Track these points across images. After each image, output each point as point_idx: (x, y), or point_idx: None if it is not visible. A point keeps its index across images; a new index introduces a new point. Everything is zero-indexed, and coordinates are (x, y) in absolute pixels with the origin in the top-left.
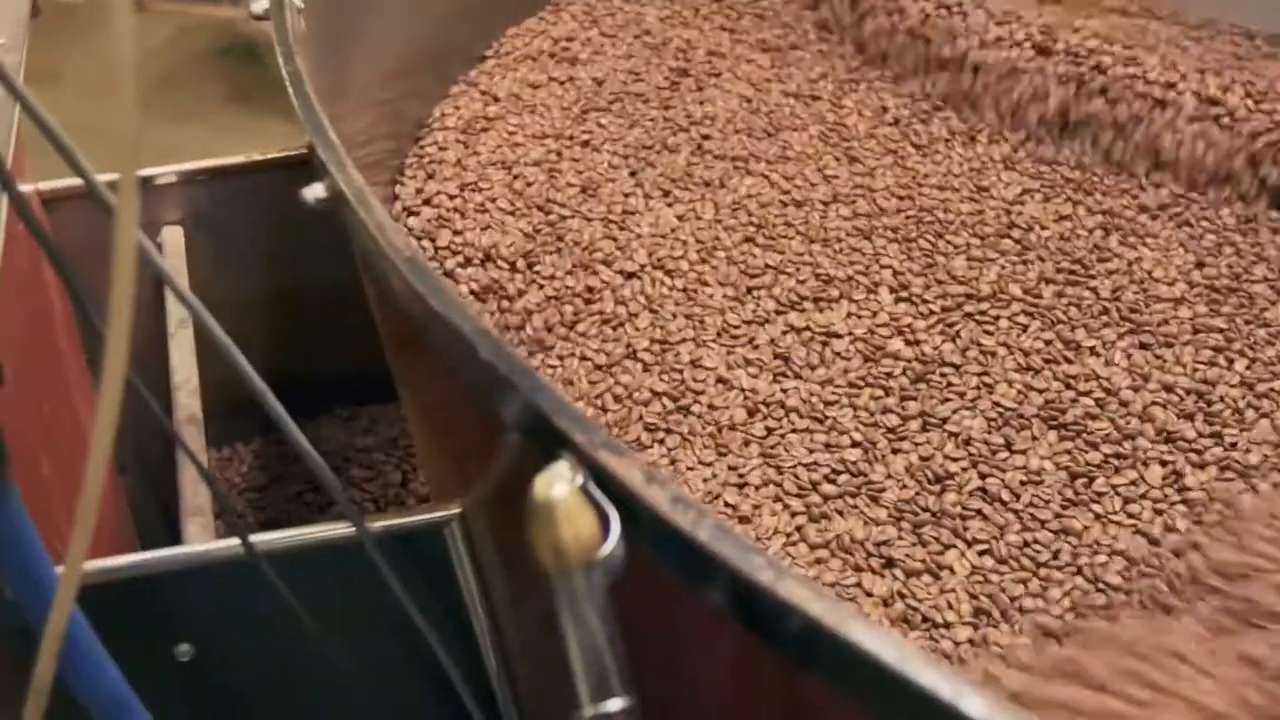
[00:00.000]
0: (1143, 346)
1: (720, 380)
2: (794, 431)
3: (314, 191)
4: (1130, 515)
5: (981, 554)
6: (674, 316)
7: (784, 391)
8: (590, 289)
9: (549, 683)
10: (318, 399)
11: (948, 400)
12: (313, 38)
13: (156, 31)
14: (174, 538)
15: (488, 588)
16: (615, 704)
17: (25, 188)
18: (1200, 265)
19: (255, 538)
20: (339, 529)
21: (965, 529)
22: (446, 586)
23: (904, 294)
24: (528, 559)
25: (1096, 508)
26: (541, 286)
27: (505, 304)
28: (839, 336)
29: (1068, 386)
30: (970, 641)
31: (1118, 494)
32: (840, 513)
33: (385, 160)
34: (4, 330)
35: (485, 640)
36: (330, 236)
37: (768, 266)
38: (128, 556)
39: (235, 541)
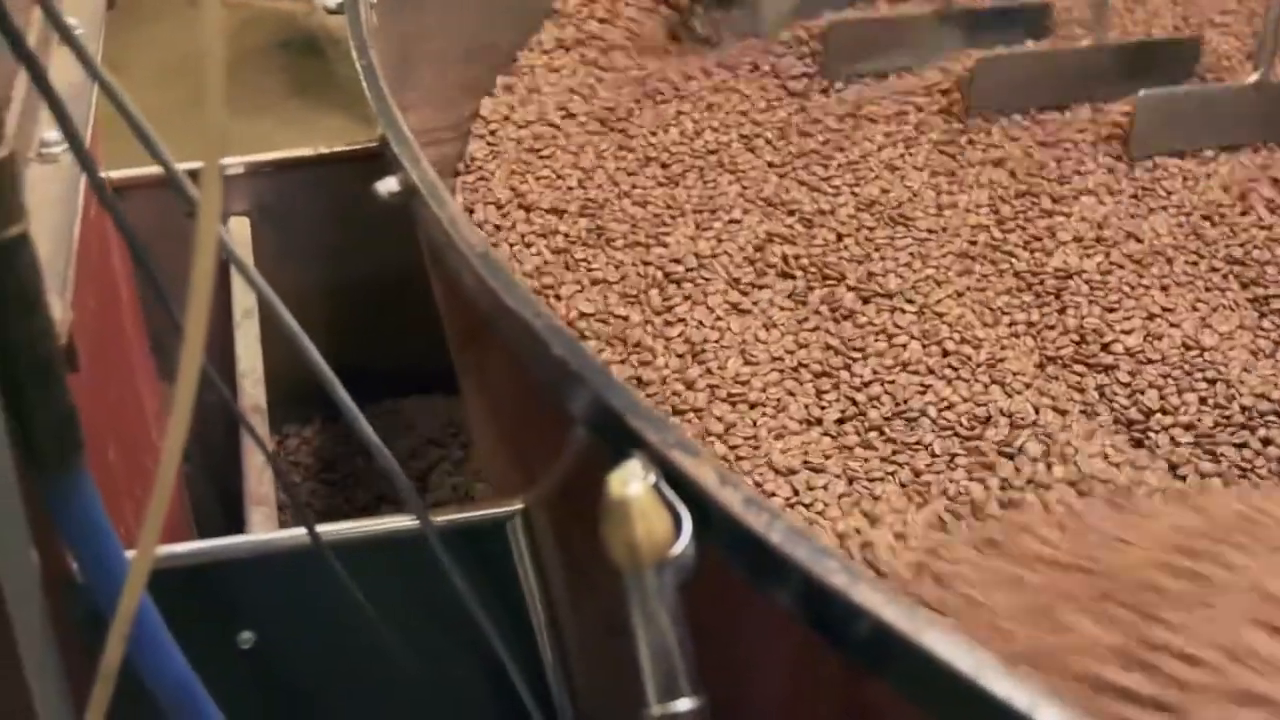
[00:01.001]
0: None
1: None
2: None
3: (387, 185)
4: None
5: None
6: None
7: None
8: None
9: (606, 681)
10: (367, 392)
11: None
12: (383, 31)
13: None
14: (230, 524)
15: (547, 584)
16: (684, 704)
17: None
18: None
19: (320, 528)
20: (403, 521)
21: None
22: (506, 582)
23: None
24: (591, 556)
25: None
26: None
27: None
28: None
29: None
30: None
31: None
32: None
33: (445, 154)
34: (76, 316)
35: (542, 636)
36: (391, 230)
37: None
38: (195, 543)
39: (300, 531)
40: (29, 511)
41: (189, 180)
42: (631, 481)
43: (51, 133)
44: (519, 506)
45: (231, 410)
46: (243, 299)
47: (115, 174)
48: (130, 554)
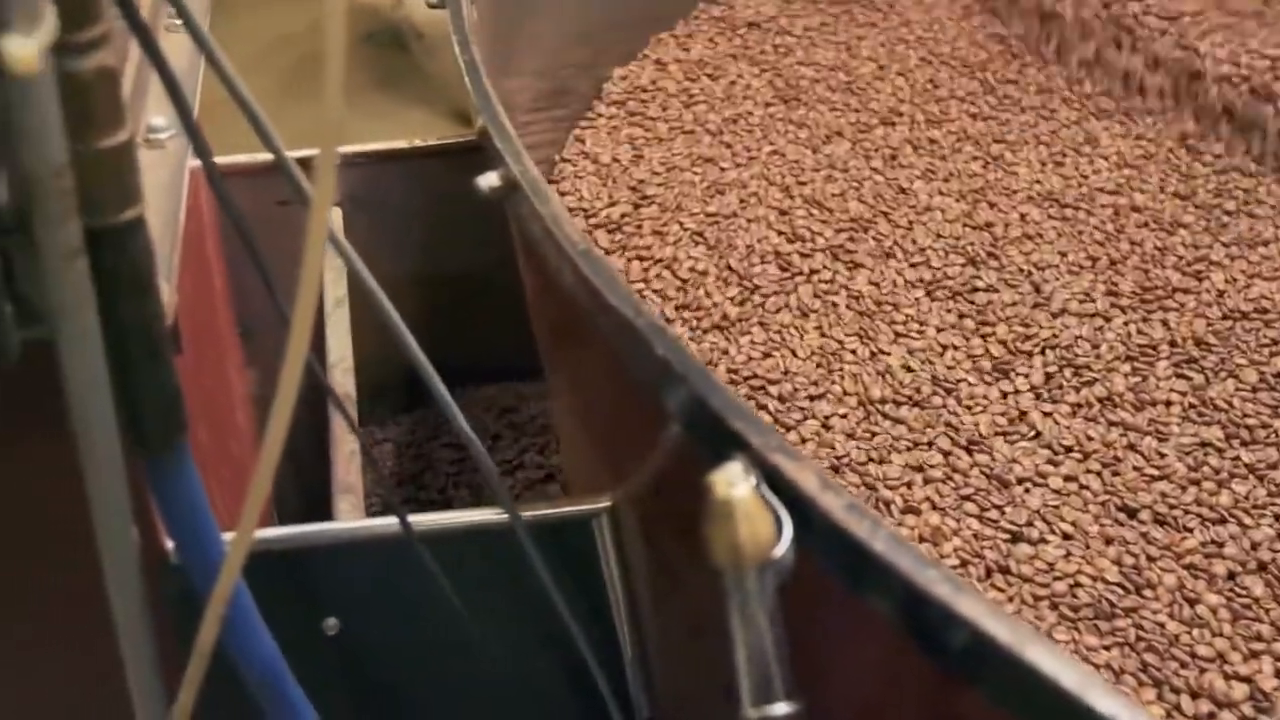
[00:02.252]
0: None
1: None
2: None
3: (488, 180)
4: None
5: None
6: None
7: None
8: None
9: (686, 681)
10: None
11: None
12: (484, 26)
13: (304, 15)
14: (308, 509)
15: (631, 582)
16: (780, 708)
17: (193, 162)
18: None
19: (411, 518)
20: (490, 514)
21: None
22: (589, 578)
23: None
24: (679, 555)
25: None
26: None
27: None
28: None
29: None
30: None
31: None
32: None
33: (541, 150)
34: (178, 300)
35: (623, 634)
36: (479, 225)
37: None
38: (286, 529)
39: (388, 520)
40: (130, 490)
41: (298, 169)
42: (736, 483)
43: (158, 118)
44: (606, 504)
45: (330, 398)
46: (334, 288)
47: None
48: (227, 536)
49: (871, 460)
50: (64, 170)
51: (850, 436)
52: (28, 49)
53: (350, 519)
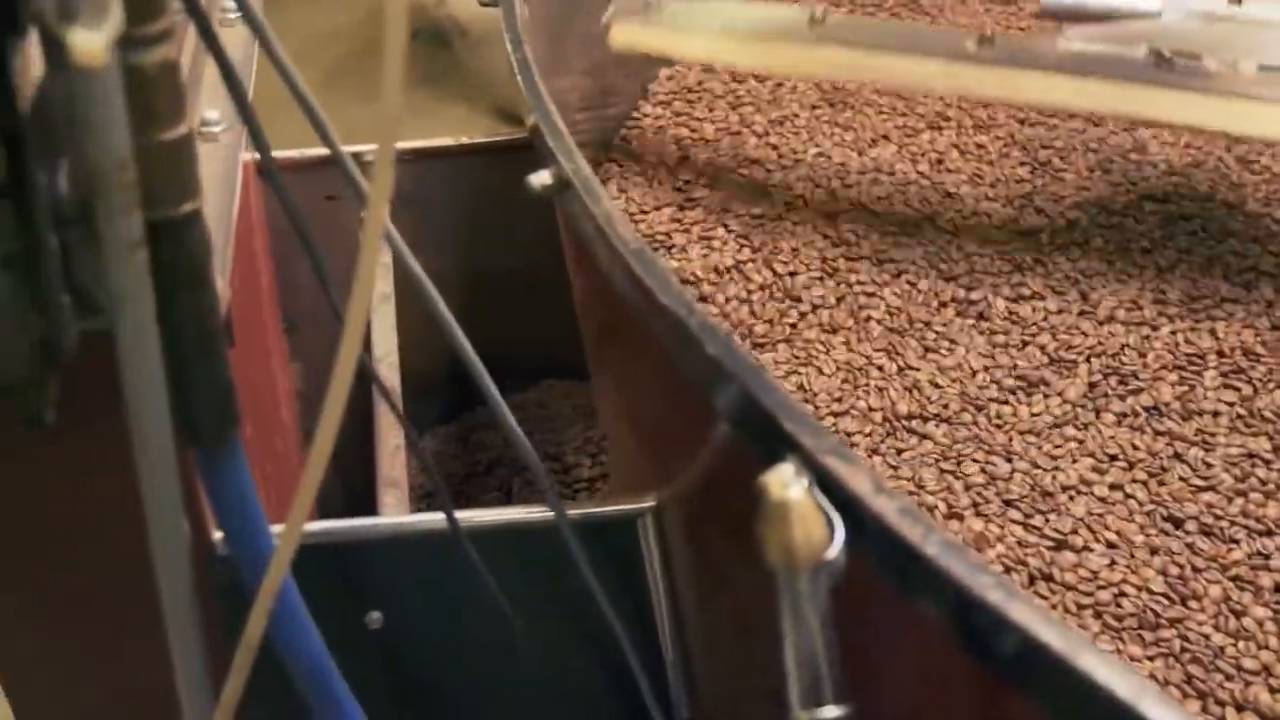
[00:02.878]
0: None
1: None
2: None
3: (540, 178)
4: None
5: None
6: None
7: None
8: None
9: (727, 682)
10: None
11: None
12: (535, 25)
13: (347, 12)
14: (349, 504)
15: (674, 582)
16: (830, 711)
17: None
18: None
19: (457, 514)
20: (536, 512)
21: None
22: (632, 578)
23: None
24: (724, 556)
25: None
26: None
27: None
28: None
29: None
30: None
31: None
32: None
33: (587, 150)
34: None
35: (665, 633)
36: (524, 222)
37: None
38: (332, 522)
39: (432, 516)
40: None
41: (354, 164)
42: (791, 485)
43: (212, 112)
44: (652, 503)
45: (380, 392)
46: (380, 283)
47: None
48: (276, 529)
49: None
50: (127, 163)
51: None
52: (95, 42)
53: (395, 514)
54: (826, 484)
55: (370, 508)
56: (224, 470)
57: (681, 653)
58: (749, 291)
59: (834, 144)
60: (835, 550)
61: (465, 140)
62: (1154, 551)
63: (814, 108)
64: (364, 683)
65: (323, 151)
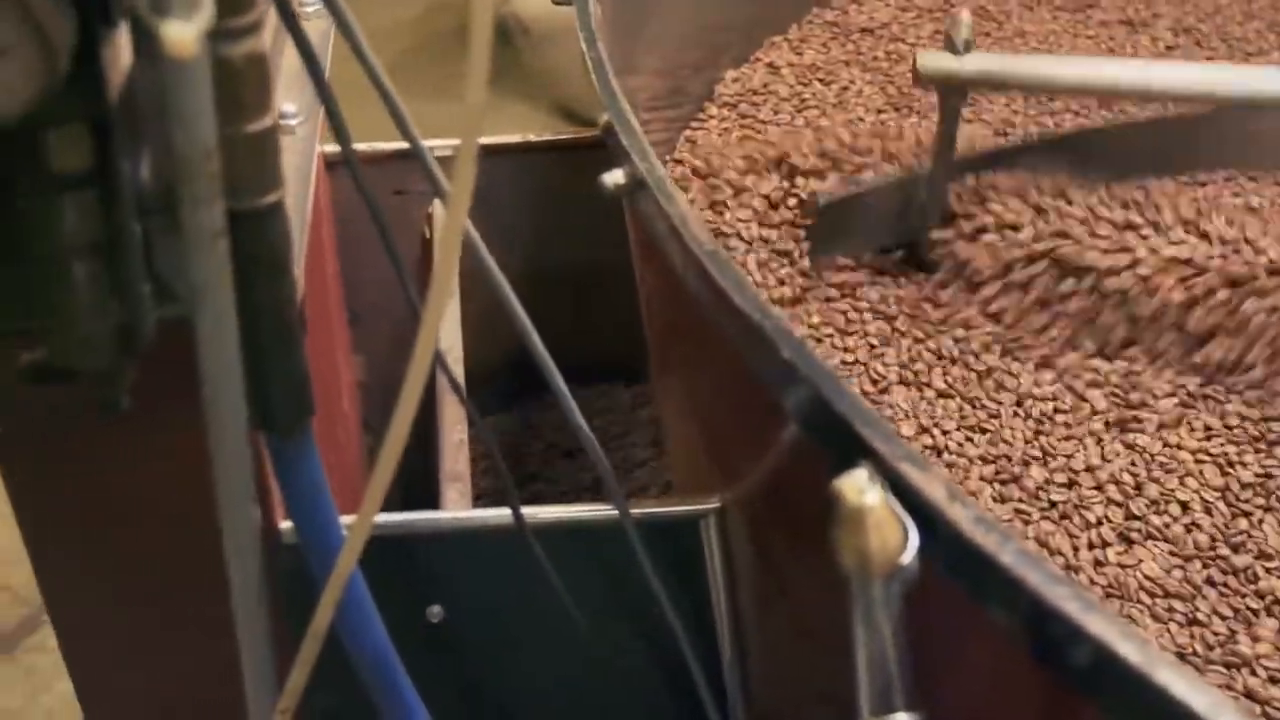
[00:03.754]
0: None
1: None
2: None
3: (613, 177)
4: None
5: None
6: None
7: None
8: None
9: (785, 685)
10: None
11: None
12: (608, 22)
13: (410, 6)
14: (405, 497)
15: (735, 583)
16: (901, 718)
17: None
18: None
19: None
20: (599, 510)
21: None
22: (692, 578)
23: None
24: (787, 559)
25: None
26: None
27: None
28: None
29: None
30: None
31: None
32: None
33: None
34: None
35: (724, 634)
36: (590, 221)
37: None
38: (397, 515)
39: (498, 511)
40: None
41: (434, 160)
42: (867, 490)
43: (289, 105)
44: (715, 505)
45: (451, 386)
46: None
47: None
48: (346, 519)
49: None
50: (213, 153)
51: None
52: (187, 34)
53: (458, 508)
54: (900, 490)
55: (423, 500)
56: (297, 459)
57: (739, 654)
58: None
59: None
60: (909, 557)
61: (532, 137)
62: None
63: (879, 111)
64: (423, 675)
65: (391, 146)
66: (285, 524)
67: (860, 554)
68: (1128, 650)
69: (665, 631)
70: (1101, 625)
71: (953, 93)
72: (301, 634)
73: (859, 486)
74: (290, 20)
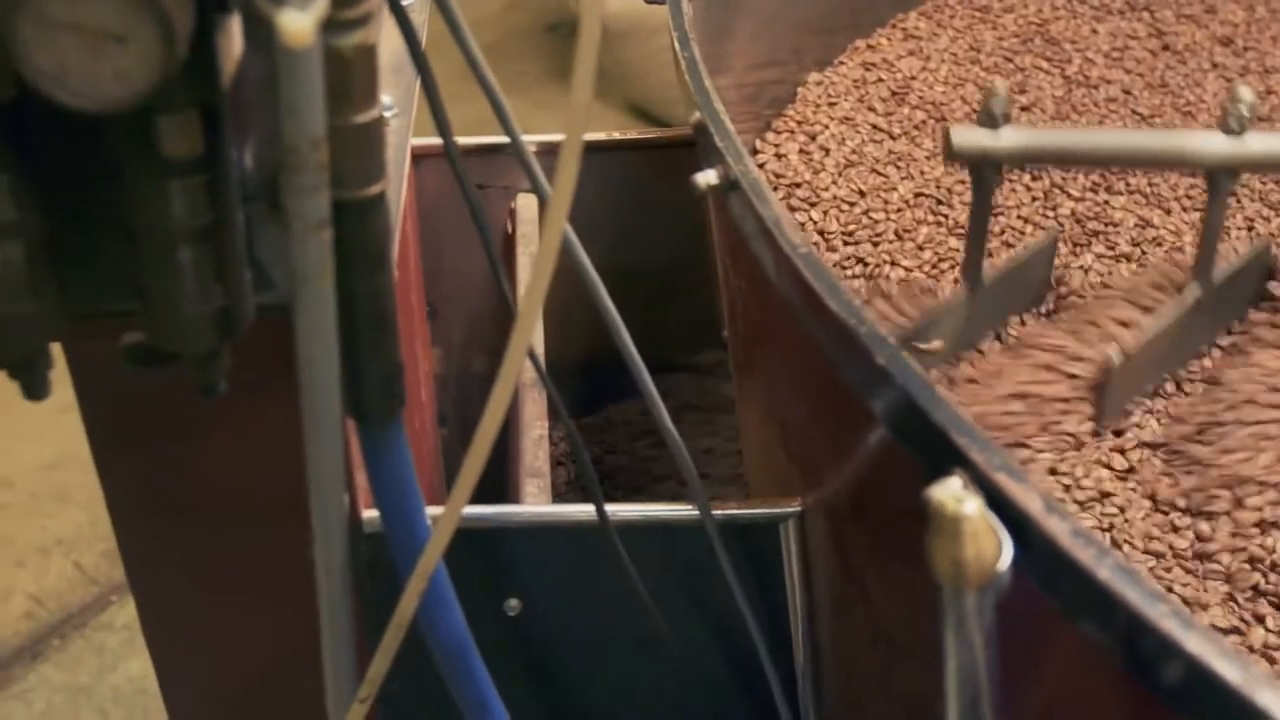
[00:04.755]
0: None
1: None
2: None
3: (705, 177)
4: None
5: None
6: None
7: None
8: None
9: (858, 693)
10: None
11: None
12: (698, 22)
13: (488, 3)
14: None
15: (812, 588)
16: None
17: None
18: None
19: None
20: (680, 510)
21: None
22: (769, 581)
23: None
24: (868, 565)
25: None
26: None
27: None
28: None
29: None
30: None
31: None
32: None
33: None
34: None
35: (799, 640)
36: (665, 222)
37: None
38: (479, 509)
39: (577, 507)
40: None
41: (531, 155)
42: (966, 500)
43: (386, 97)
44: (796, 508)
45: (544, 383)
46: (525, 274)
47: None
48: (433, 511)
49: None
50: (321, 143)
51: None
52: (303, 23)
53: (537, 503)
54: (995, 501)
55: (491, 494)
56: (386, 449)
57: (813, 659)
58: None
59: None
60: (1004, 568)
61: (616, 135)
62: None
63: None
64: (497, 667)
65: (474, 140)
66: (366, 513)
67: (955, 564)
68: (1227, 670)
69: (740, 632)
70: (1200, 644)
71: (988, 167)
72: (379, 623)
73: (957, 495)
74: (400, 13)
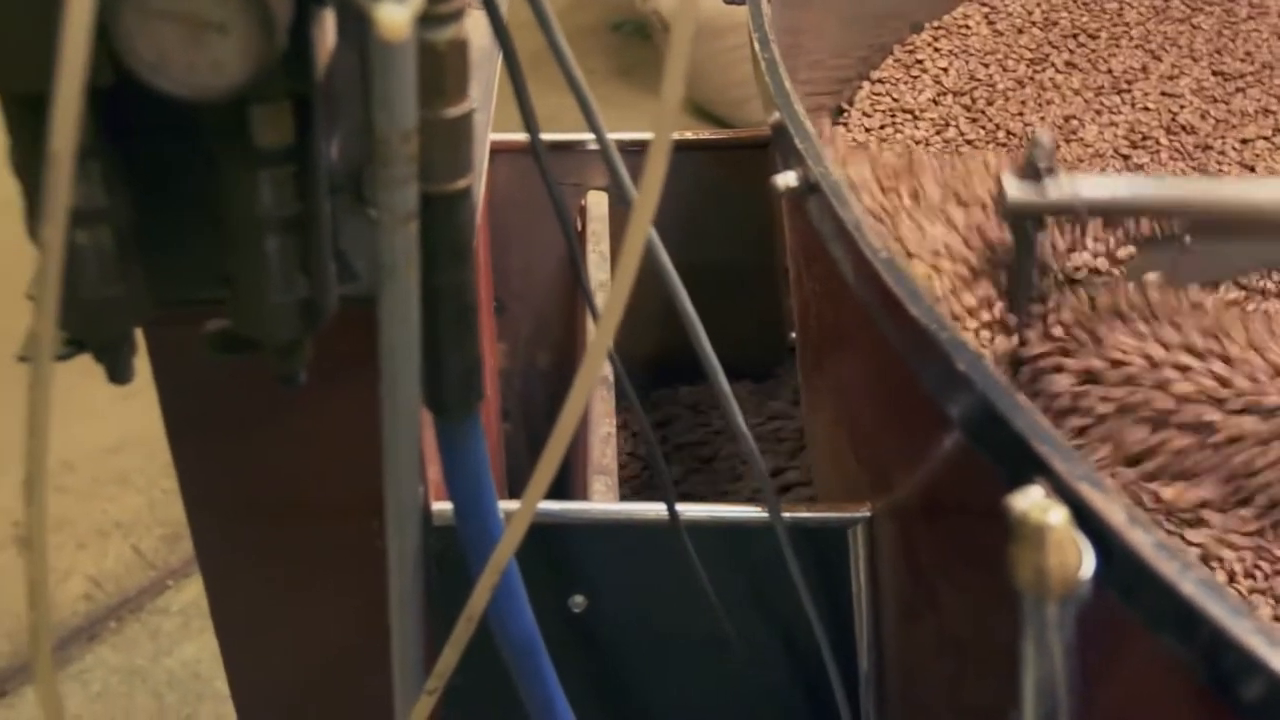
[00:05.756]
0: None
1: None
2: None
3: (785, 179)
4: None
5: None
6: None
7: None
8: None
9: (923, 700)
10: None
11: None
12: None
13: (553, 1)
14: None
15: (879, 594)
16: None
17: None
18: None
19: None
20: (748, 511)
21: None
22: (835, 585)
23: None
24: (939, 571)
25: None
26: None
27: None
28: None
29: None
30: None
31: None
32: None
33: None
34: None
35: (863, 644)
36: (731, 222)
37: None
38: (548, 505)
39: (645, 505)
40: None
41: (617, 154)
42: (1051, 509)
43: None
44: (865, 513)
45: (622, 382)
46: (597, 271)
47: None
48: (506, 505)
49: None
50: (411, 136)
51: None
52: (400, 16)
53: (605, 501)
54: (1077, 511)
55: (560, 490)
56: (463, 443)
57: (877, 664)
58: None
59: None
60: (1085, 579)
61: (690, 135)
62: None
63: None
64: (561, 663)
65: (551, 137)
66: (435, 506)
67: (1039, 573)
68: None
69: (804, 635)
70: None
71: (1032, 221)
72: (445, 616)
73: (1042, 504)
74: (492, 8)
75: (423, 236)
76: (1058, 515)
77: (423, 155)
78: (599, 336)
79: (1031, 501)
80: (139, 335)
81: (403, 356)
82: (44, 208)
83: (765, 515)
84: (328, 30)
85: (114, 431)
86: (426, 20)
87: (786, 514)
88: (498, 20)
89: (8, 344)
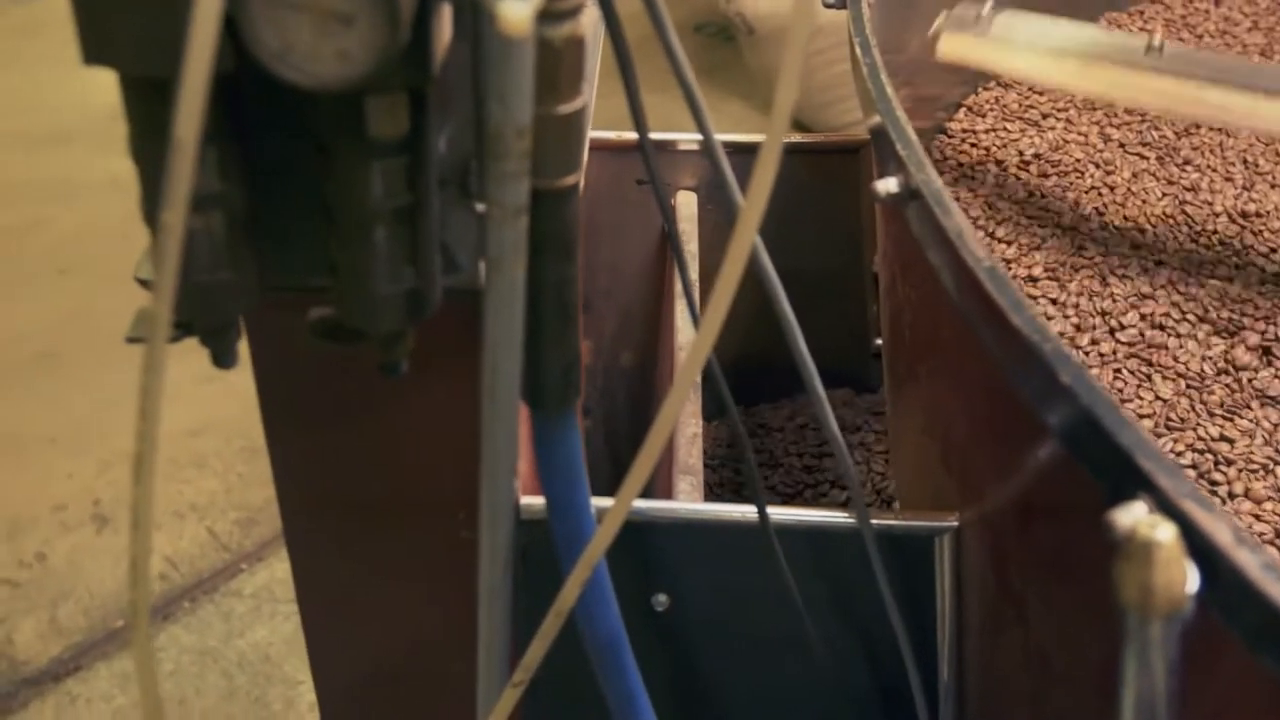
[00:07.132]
0: None
1: None
2: None
3: (886, 185)
4: None
5: None
6: None
7: None
8: None
9: (1003, 714)
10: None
11: None
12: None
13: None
14: (615, 481)
15: (963, 605)
16: None
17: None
18: None
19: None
20: (836, 516)
21: None
22: (919, 594)
23: None
24: (1027, 584)
25: None
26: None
27: None
28: None
29: None
30: None
31: None
32: None
33: None
34: None
35: (944, 655)
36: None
37: None
38: (636, 502)
39: (730, 506)
40: None
41: (724, 155)
42: (1159, 525)
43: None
44: (953, 523)
45: (719, 384)
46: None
47: None
48: (600, 501)
49: None
50: (526, 131)
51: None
52: (521, 12)
53: (690, 500)
54: (1181, 529)
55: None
56: (559, 437)
57: (958, 675)
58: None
59: (1162, 194)
60: (1190, 598)
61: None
62: None
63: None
64: (642, 661)
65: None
66: (524, 500)
67: (1144, 590)
68: None
69: (886, 643)
70: None
71: None
72: (529, 610)
73: (1150, 521)
74: (608, 8)
75: (530, 231)
76: (1166, 532)
77: (534, 151)
78: (701, 337)
79: (1138, 518)
80: (241, 320)
81: (505, 350)
82: (164, 192)
83: (852, 520)
84: (445, 24)
85: (194, 415)
86: (545, 16)
87: (874, 521)
88: (613, 17)
89: (91, 325)
